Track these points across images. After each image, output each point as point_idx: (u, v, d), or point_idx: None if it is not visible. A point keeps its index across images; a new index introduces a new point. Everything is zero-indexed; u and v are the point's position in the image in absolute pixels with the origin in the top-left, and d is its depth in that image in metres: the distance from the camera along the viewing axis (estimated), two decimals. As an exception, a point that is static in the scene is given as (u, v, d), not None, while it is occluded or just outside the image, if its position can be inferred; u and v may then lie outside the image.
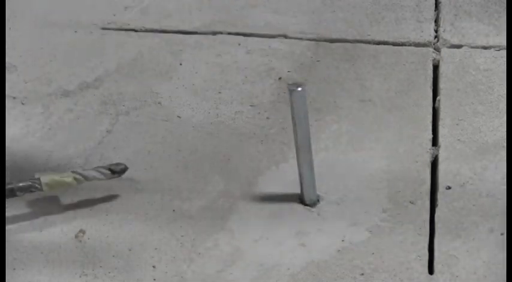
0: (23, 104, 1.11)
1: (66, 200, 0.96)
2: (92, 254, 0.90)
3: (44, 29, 1.25)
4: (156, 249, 0.90)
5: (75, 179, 0.92)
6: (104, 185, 0.98)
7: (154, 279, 0.87)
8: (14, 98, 1.12)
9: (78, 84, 1.14)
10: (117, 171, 0.94)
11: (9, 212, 0.94)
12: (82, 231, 0.93)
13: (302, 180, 0.93)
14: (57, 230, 0.93)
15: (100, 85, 1.14)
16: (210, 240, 0.91)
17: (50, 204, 0.96)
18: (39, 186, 0.91)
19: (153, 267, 0.89)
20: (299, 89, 0.85)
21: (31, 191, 0.92)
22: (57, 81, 1.15)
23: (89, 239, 0.92)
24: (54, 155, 1.02)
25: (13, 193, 0.91)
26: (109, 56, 1.19)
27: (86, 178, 0.93)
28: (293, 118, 0.87)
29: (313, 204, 0.94)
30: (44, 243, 0.92)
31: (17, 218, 0.94)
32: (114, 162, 0.97)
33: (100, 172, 0.93)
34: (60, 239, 0.92)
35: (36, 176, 0.92)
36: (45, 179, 0.91)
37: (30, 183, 0.91)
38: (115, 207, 0.95)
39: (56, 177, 0.92)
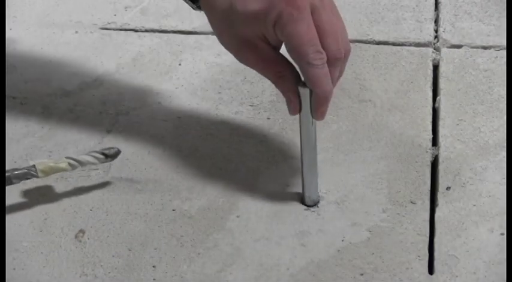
0: (22, 104, 1.11)
1: (66, 200, 0.96)
2: (92, 254, 0.90)
3: (44, 29, 1.25)
4: (156, 249, 0.90)
5: (69, 164, 0.93)
6: (105, 185, 0.98)
7: (154, 279, 0.87)
8: (14, 98, 1.12)
9: (78, 84, 1.14)
10: (110, 155, 0.95)
11: (9, 212, 0.94)
12: (82, 231, 0.93)
13: (305, 180, 0.93)
14: (57, 230, 0.93)
15: (100, 85, 1.14)
16: (209, 240, 0.91)
17: (50, 205, 0.96)
18: (34, 173, 0.92)
19: (153, 267, 0.89)
20: (307, 87, 0.85)
21: (27, 178, 0.92)
22: (57, 81, 1.15)
23: (88, 239, 0.92)
24: (54, 155, 1.02)
25: (10, 181, 0.91)
26: (109, 56, 1.19)
27: (80, 163, 0.94)
28: (300, 117, 0.87)
29: (313, 204, 0.94)
30: (44, 243, 0.91)
31: (17, 218, 0.94)
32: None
33: (93, 156, 0.94)
34: (60, 239, 0.92)
35: (31, 163, 0.92)
36: (40, 165, 0.92)
37: (26, 170, 0.92)
38: (115, 207, 0.95)
39: (51, 163, 0.93)
